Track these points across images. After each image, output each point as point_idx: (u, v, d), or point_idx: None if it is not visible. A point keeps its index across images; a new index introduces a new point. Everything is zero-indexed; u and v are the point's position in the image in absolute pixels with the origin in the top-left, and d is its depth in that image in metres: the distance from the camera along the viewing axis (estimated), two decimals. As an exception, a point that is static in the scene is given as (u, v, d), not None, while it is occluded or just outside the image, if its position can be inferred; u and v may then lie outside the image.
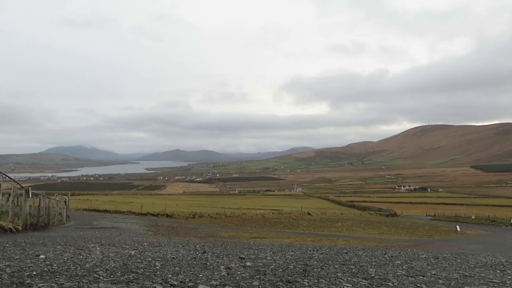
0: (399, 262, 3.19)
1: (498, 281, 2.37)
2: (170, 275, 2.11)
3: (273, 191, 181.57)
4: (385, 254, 4.07)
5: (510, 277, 2.60)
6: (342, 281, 2.13)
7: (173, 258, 3.02)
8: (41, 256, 3.02)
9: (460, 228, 32.62)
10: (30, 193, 11.27)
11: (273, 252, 3.76)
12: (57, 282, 1.84)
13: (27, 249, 3.68)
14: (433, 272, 2.61)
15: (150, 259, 2.90)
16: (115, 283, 1.85)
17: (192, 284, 1.90)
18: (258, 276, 2.15)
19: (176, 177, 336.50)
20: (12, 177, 10.72)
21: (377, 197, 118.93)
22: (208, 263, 2.69)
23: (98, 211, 34.62)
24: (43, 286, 1.76)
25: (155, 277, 2.03)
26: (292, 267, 2.63)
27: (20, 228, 9.16)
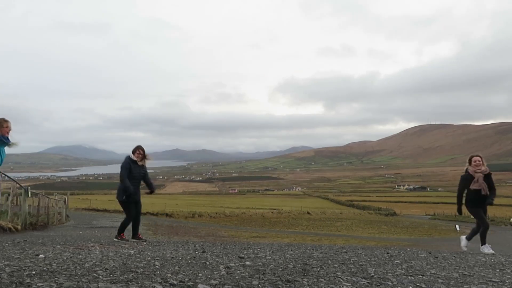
0: (398, 261, 3.19)
1: (497, 280, 2.37)
2: (169, 275, 2.11)
3: (273, 190, 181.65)
4: (384, 253, 4.08)
5: (509, 276, 2.60)
6: (341, 280, 2.13)
7: (172, 257, 3.01)
8: (40, 255, 3.02)
9: (459, 227, 32.63)
10: (29, 193, 11.25)
11: (272, 252, 3.75)
12: (57, 281, 1.84)
13: (27, 249, 3.67)
14: (433, 271, 2.61)
15: (149, 258, 2.89)
16: (114, 283, 1.85)
17: (192, 283, 1.90)
18: (257, 276, 2.15)
19: (175, 177, 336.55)
20: (11, 177, 10.71)
21: (376, 196, 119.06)
22: (207, 263, 2.69)
23: (98, 210, 34.60)
24: (42, 285, 1.75)
25: (155, 277, 2.03)
26: (292, 266, 2.62)
27: (19, 227, 9.15)
